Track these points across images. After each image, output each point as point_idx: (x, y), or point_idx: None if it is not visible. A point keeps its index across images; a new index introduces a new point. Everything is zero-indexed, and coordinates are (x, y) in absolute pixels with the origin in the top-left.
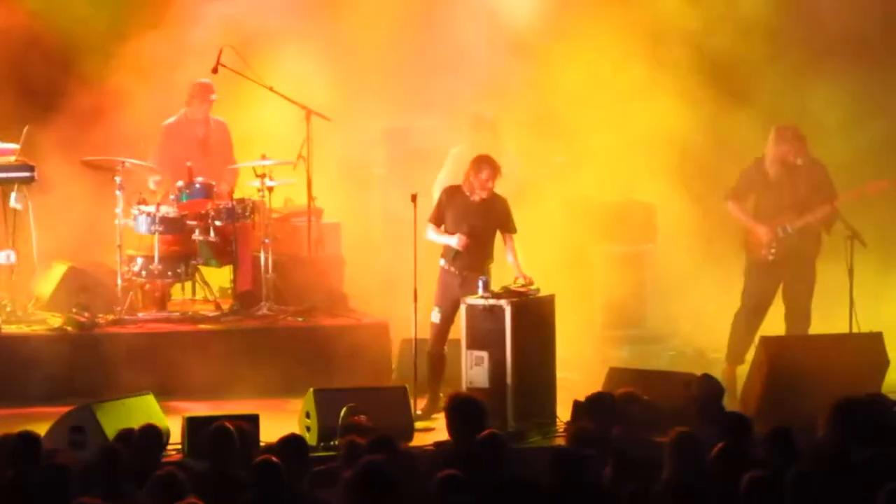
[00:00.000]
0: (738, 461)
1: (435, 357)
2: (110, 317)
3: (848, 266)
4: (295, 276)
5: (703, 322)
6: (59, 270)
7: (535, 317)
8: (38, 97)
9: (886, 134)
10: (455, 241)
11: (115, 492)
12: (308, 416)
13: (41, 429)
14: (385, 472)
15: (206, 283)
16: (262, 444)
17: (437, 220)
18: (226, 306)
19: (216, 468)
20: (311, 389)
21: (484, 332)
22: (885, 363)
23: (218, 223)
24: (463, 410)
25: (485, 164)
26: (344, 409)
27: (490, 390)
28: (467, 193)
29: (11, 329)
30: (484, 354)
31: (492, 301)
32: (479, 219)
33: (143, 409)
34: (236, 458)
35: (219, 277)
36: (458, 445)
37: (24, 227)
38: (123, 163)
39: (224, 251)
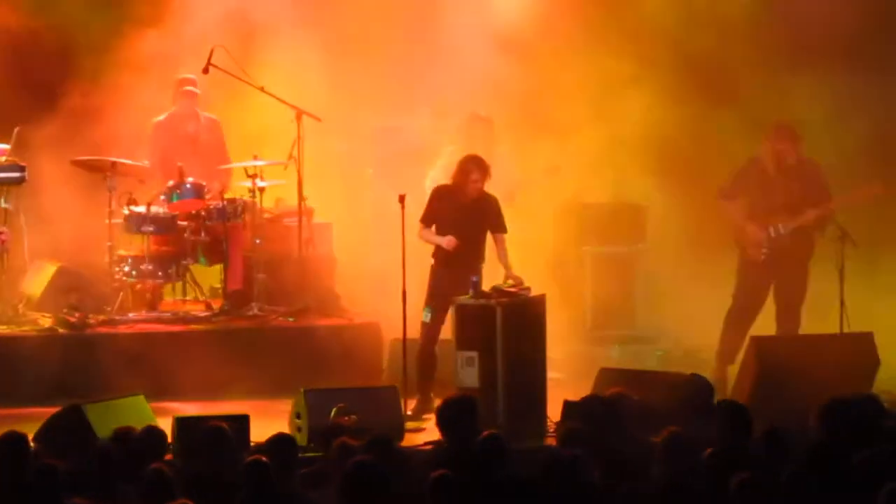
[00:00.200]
0: (731, 461)
1: (426, 357)
2: (101, 317)
3: (838, 266)
4: (286, 276)
5: (693, 322)
6: (49, 271)
7: (525, 317)
8: (29, 97)
9: (869, 134)
10: (445, 241)
11: (108, 492)
12: (298, 416)
13: (31, 429)
14: (375, 472)
15: (196, 283)
16: (252, 444)
17: (428, 220)
18: (216, 306)
19: (208, 468)
20: (302, 389)
21: (475, 333)
22: (876, 363)
23: (209, 223)
24: (454, 410)
25: (474, 165)
26: (334, 410)
27: (481, 390)
28: (457, 194)
29: (2, 329)
30: (474, 355)
31: (482, 301)
32: (470, 219)
33: (134, 410)
34: (228, 458)
35: (209, 277)
36: (450, 445)
37: (15, 227)
38: (114, 163)
39: (215, 251)
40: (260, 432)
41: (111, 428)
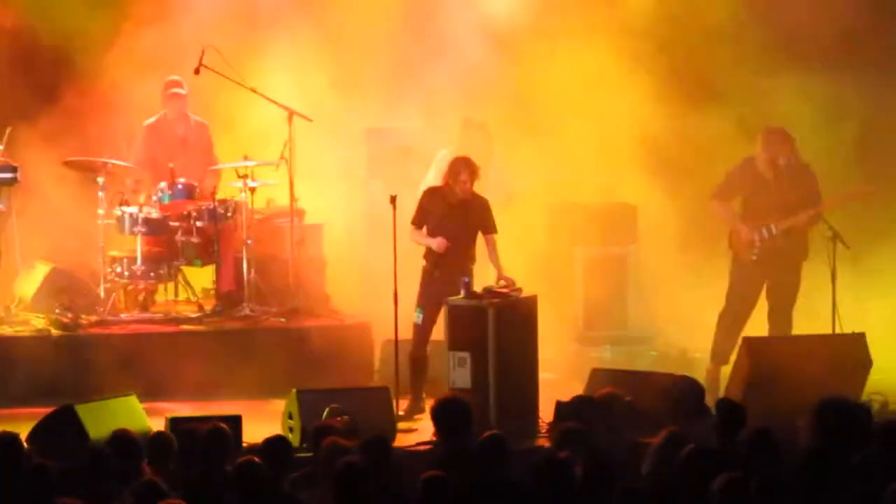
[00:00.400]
0: (709, 462)
1: (417, 358)
2: (93, 318)
3: (830, 267)
4: (277, 277)
5: (685, 322)
6: (41, 271)
7: (517, 318)
8: (21, 98)
9: (855, 136)
10: (435, 243)
11: (100, 493)
12: (291, 416)
13: (23, 430)
14: (365, 472)
15: (188, 284)
16: (245, 444)
17: (419, 221)
18: (208, 307)
19: (205, 469)
20: (294, 390)
21: (466, 334)
22: (868, 364)
23: (200, 224)
24: (448, 411)
25: (463, 166)
26: (326, 410)
27: (473, 391)
28: (447, 195)
29: None
30: (466, 355)
31: (474, 302)
32: (460, 220)
33: (126, 410)
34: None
35: (201, 278)
36: (447, 446)
37: (7, 228)
38: (106, 164)
39: (206, 252)
40: (252, 433)
41: (104, 428)
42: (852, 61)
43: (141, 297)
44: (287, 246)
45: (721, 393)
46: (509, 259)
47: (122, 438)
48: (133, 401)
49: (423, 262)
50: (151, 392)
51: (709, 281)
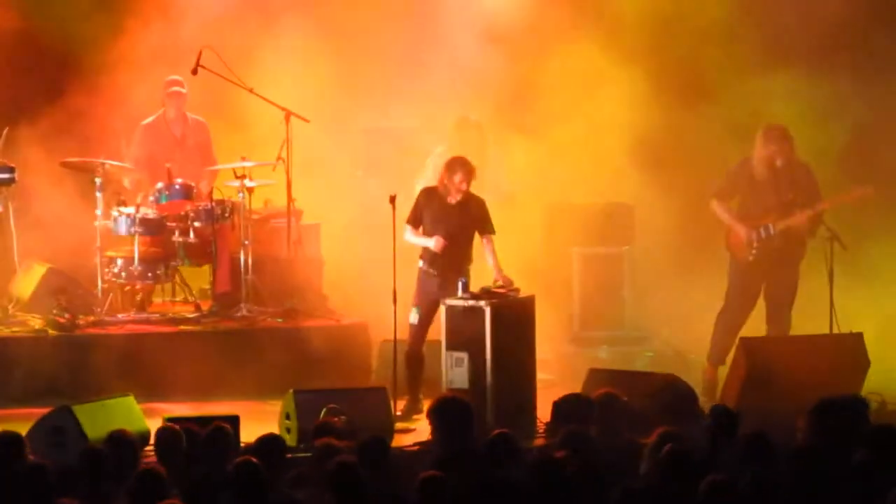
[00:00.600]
0: (692, 464)
1: (413, 358)
2: (90, 318)
3: (828, 267)
4: (274, 278)
5: (681, 322)
6: (38, 272)
7: (514, 318)
8: (18, 98)
9: (846, 136)
10: (433, 243)
11: (97, 493)
12: (288, 417)
13: (21, 430)
14: (357, 472)
15: (185, 284)
16: (242, 445)
17: (415, 221)
18: (205, 308)
19: (205, 469)
20: (291, 390)
21: (464, 334)
22: (866, 364)
23: (197, 224)
24: (449, 410)
25: (458, 166)
26: (324, 411)
27: (470, 391)
28: (443, 195)
29: None
30: (464, 356)
31: (471, 302)
32: (457, 221)
33: (124, 411)
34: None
35: (198, 279)
36: (449, 445)
37: (5, 228)
38: (103, 164)
39: (203, 252)
40: (250, 433)
41: (101, 429)
42: (844, 62)
43: (138, 298)
44: (284, 246)
45: (718, 393)
46: (506, 259)
47: (118, 439)
48: (130, 401)
49: (420, 262)
50: (149, 392)
51: (705, 281)
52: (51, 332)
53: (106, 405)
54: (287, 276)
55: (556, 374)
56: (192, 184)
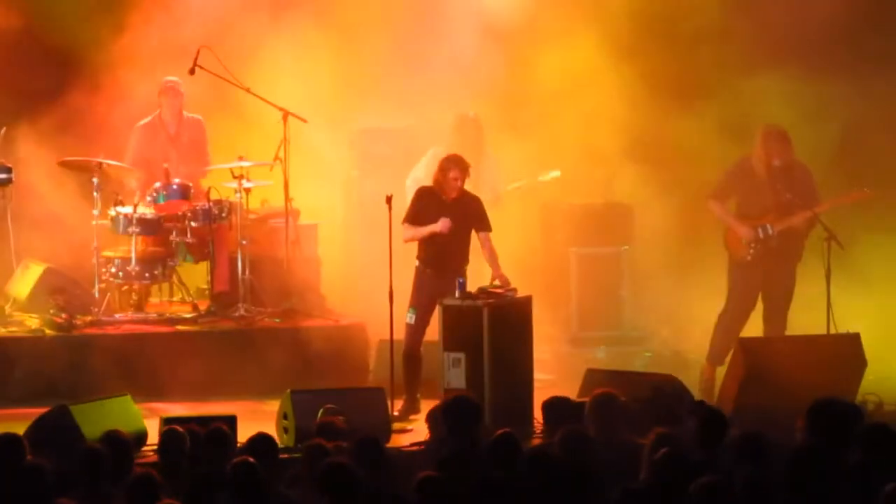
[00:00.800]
0: (684, 466)
1: (410, 358)
2: (88, 318)
3: (826, 267)
4: (272, 278)
5: (679, 323)
6: (36, 272)
7: (512, 318)
8: (16, 98)
9: (838, 137)
10: (439, 226)
11: (96, 493)
12: (285, 417)
13: (18, 430)
14: (349, 473)
15: (183, 284)
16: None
17: (413, 219)
18: (203, 307)
19: (201, 470)
20: (289, 390)
21: (461, 334)
22: (863, 364)
23: (194, 224)
24: (458, 409)
25: (452, 164)
26: (321, 411)
27: (467, 391)
28: (439, 194)
29: None
30: (461, 356)
31: (469, 302)
32: (452, 219)
33: (121, 411)
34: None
35: (196, 278)
36: (452, 445)
37: (2, 228)
38: (101, 164)
39: (201, 252)
40: (247, 433)
41: (98, 429)
42: (837, 63)
43: (135, 298)
44: (282, 246)
45: (716, 394)
46: (503, 259)
47: (112, 439)
48: (128, 401)
49: (417, 262)
50: (146, 392)
51: (703, 281)
52: (48, 331)
53: (103, 405)
54: (285, 276)
55: (554, 375)
56: (190, 184)
